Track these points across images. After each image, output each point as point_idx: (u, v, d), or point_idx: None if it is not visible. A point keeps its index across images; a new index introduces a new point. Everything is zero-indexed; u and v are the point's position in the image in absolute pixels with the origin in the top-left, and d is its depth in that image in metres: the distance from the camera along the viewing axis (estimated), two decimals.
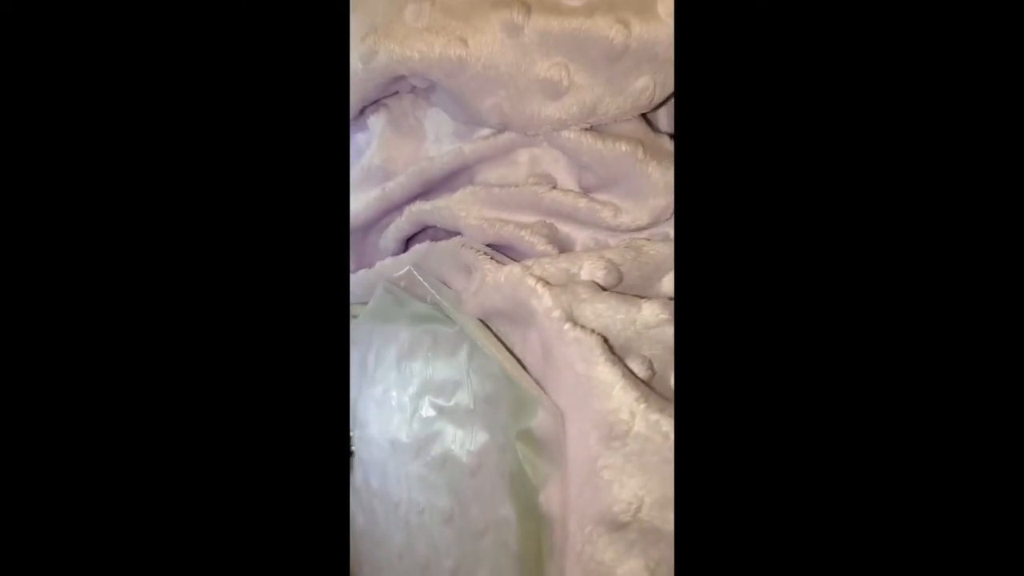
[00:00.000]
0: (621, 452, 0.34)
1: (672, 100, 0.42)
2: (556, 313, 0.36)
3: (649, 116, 0.43)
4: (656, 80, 0.39)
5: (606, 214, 0.41)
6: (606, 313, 0.37)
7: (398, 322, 0.48)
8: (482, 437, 0.42)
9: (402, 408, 0.47)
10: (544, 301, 0.37)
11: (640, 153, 0.40)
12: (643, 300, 0.37)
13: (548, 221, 0.43)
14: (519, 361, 0.40)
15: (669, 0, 0.37)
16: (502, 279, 0.39)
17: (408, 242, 0.50)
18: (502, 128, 0.43)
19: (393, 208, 0.49)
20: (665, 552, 0.35)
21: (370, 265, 0.51)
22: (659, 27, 0.38)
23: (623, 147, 0.40)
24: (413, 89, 0.46)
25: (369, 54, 0.42)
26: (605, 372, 0.35)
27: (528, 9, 0.39)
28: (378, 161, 0.49)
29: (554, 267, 0.39)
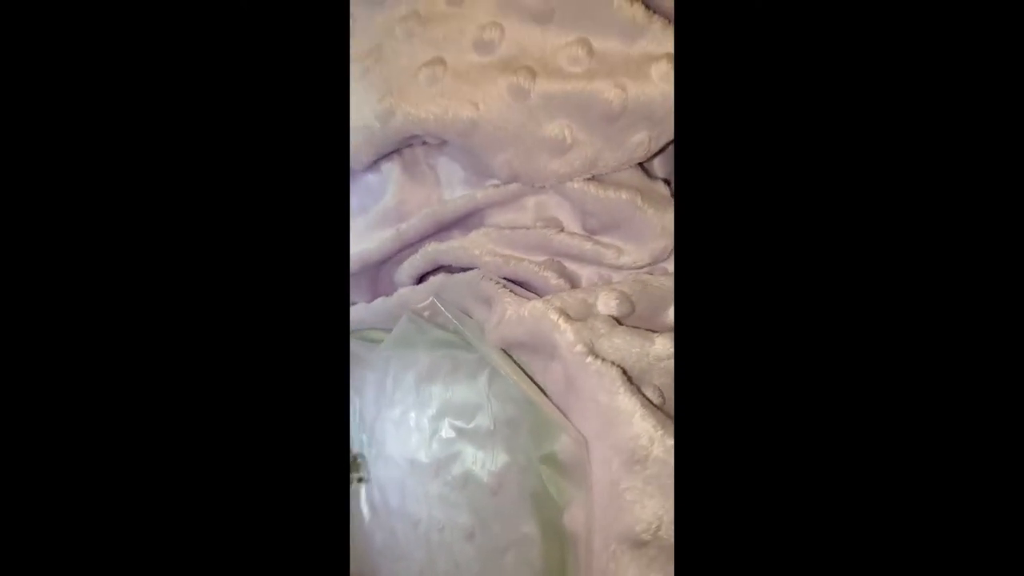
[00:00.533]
0: (641, 475, 0.37)
1: (666, 149, 0.46)
2: (579, 348, 0.39)
3: (645, 165, 0.47)
4: (651, 135, 0.43)
5: (610, 255, 0.45)
6: (623, 347, 0.40)
7: (417, 347, 0.50)
8: (503, 458, 0.44)
9: (421, 429, 0.49)
10: (567, 336, 0.39)
11: (639, 200, 0.44)
12: (655, 334, 0.40)
13: (556, 259, 0.47)
14: (541, 389, 0.42)
15: (662, 64, 0.41)
16: (525, 313, 0.41)
17: (420, 279, 0.53)
18: (511, 181, 0.46)
19: (406, 247, 0.51)
20: None
21: (384, 294, 0.53)
22: (653, 89, 0.41)
23: (623, 195, 0.44)
24: (424, 143, 0.49)
25: (387, 114, 0.45)
26: (625, 402, 0.38)
27: (533, 74, 0.42)
28: (392, 204, 0.51)
29: (572, 299, 0.42)
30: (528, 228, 0.46)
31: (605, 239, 0.46)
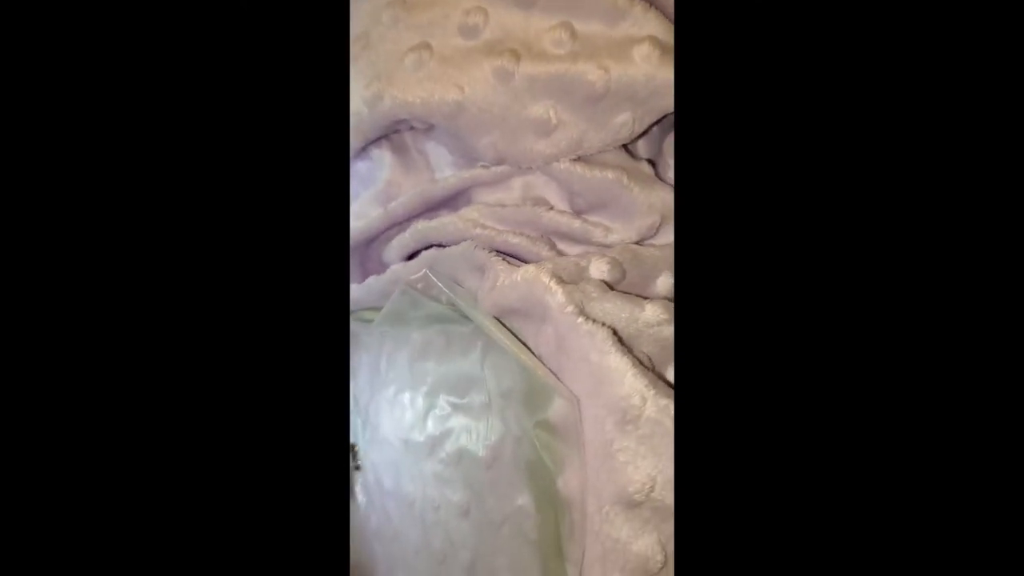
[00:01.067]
0: (634, 435, 0.37)
1: (649, 131, 0.46)
2: (569, 308, 0.39)
3: (629, 146, 0.47)
4: (635, 115, 0.43)
5: (598, 233, 0.45)
6: (613, 311, 0.40)
7: (410, 325, 0.50)
8: (498, 430, 0.44)
9: (415, 407, 0.49)
10: (558, 297, 0.40)
11: (625, 179, 0.44)
12: (646, 301, 0.40)
13: (546, 237, 0.47)
14: (534, 354, 0.42)
15: (644, 47, 0.42)
16: (518, 278, 0.42)
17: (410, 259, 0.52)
18: (498, 163, 0.47)
19: (394, 224, 0.51)
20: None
21: (374, 274, 0.53)
22: (635, 70, 0.42)
23: (609, 174, 0.44)
24: (412, 128, 0.49)
25: (374, 99, 0.45)
26: (617, 360, 0.37)
27: (517, 57, 0.43)
28: (382, 186, 0.51)
29: (565, 263, 0.42)
30: (518, 206, 0.47)
31: (593, 218, 0.46)
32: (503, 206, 0.47)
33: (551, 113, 0.44)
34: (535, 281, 0.41)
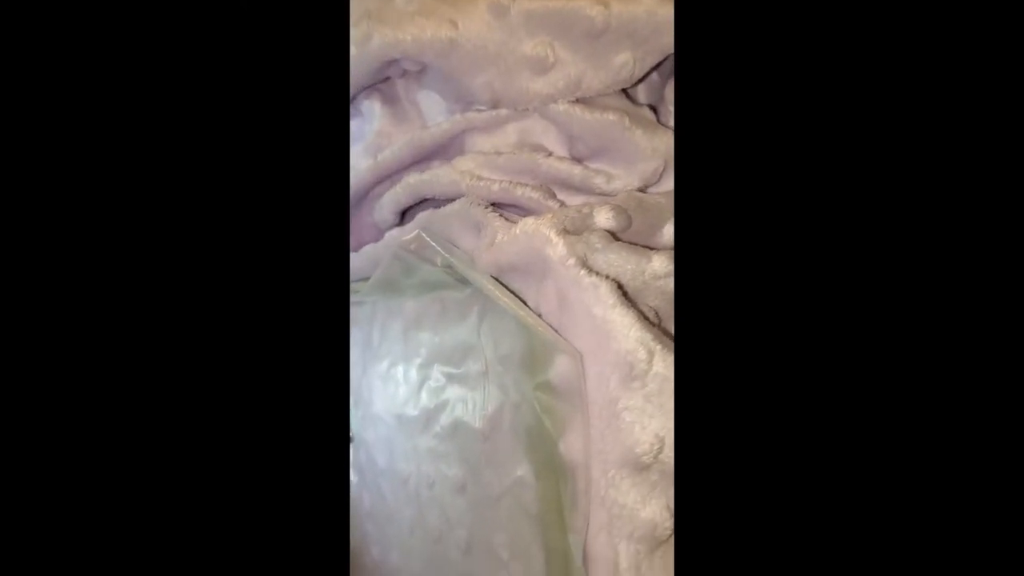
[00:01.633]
0: (641, 392, 0.34)
1: (650, 75, 0.43)
2: (571, 261, 0.36)
3: (629, 92, 0.44)
4: (635, 56, 0.40)
5: (599, 180, 0.42)
6: (618, 263, 0.36)
7: (404, 294, 0.47)
8: (495, 399, 0.41)
9: (409, 381, 0.46)
10: (559, 249, 0.36)
11: (627, 121, 0.41)
12: (653, 252, 0.37)
13: (545, 186, 0.43)
14: (535, 313, 0.39)
15: None
16: (518, 232, 0.38)
17: (403, 215, 0.49)
18: (494, 105, 0.43)
19: (384, 177, 0.48)
20: None
21: (365, 242, 0.50)
22: (637, 6, 0.39)
23: (611, 116, 0.41)
24: (404, 74, 0.46)
25: (364, 38, 0.42)
26: (622, 314, 0.34)
27: None
28: (372, 138, 0.48)
29: (567, 213, 0.39)
30: (514, 153, 0.43)
31: (594, 165, 0.42)
32: (499, 154, 0.43)
33: (548, 50, 0.40)
34: (535, 234, 0.37)
